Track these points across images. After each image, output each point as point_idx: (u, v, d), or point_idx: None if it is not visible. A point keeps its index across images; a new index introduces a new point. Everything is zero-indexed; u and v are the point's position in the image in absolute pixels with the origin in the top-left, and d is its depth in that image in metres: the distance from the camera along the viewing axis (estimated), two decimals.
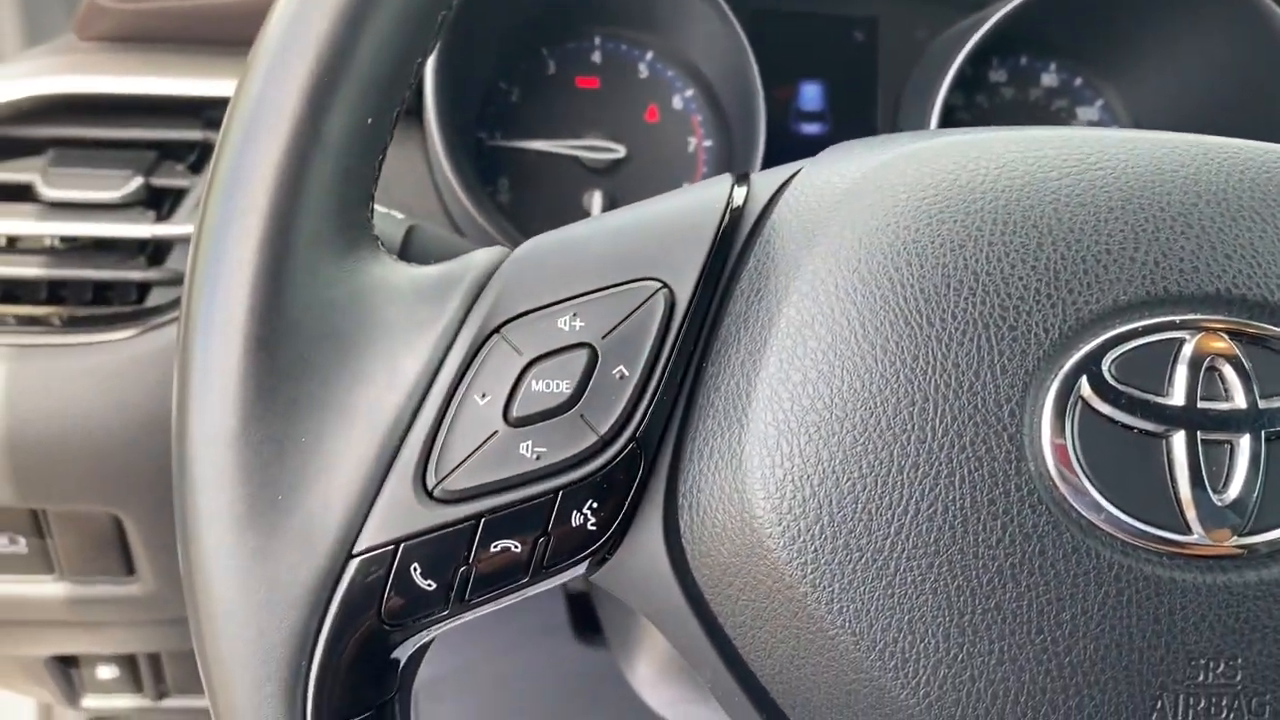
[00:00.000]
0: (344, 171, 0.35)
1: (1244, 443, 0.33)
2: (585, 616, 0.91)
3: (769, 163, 0.82)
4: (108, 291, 0.67)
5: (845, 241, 0.35)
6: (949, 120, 0.83)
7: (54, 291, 0.67)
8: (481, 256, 0.37)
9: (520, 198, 0.79)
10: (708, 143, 0.81)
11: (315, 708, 0.34)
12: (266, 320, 0.33)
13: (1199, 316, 0.34)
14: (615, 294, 0.35)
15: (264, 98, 0.34)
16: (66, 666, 0.82)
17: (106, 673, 0.82)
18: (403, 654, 0.35)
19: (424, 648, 0.37)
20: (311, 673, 0.33)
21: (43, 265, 0.66)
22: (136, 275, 0.66)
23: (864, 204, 0.36)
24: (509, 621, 0.94)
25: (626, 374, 0.35)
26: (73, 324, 0.66)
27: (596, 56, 0.81)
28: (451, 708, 0.96)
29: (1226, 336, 0.34)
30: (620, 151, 0.79)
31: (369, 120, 0.35)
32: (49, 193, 0.65)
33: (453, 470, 0.34)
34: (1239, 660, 0.33)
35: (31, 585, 0.71)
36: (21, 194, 0.66)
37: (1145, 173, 0.36)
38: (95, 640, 0.78)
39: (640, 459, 0.35)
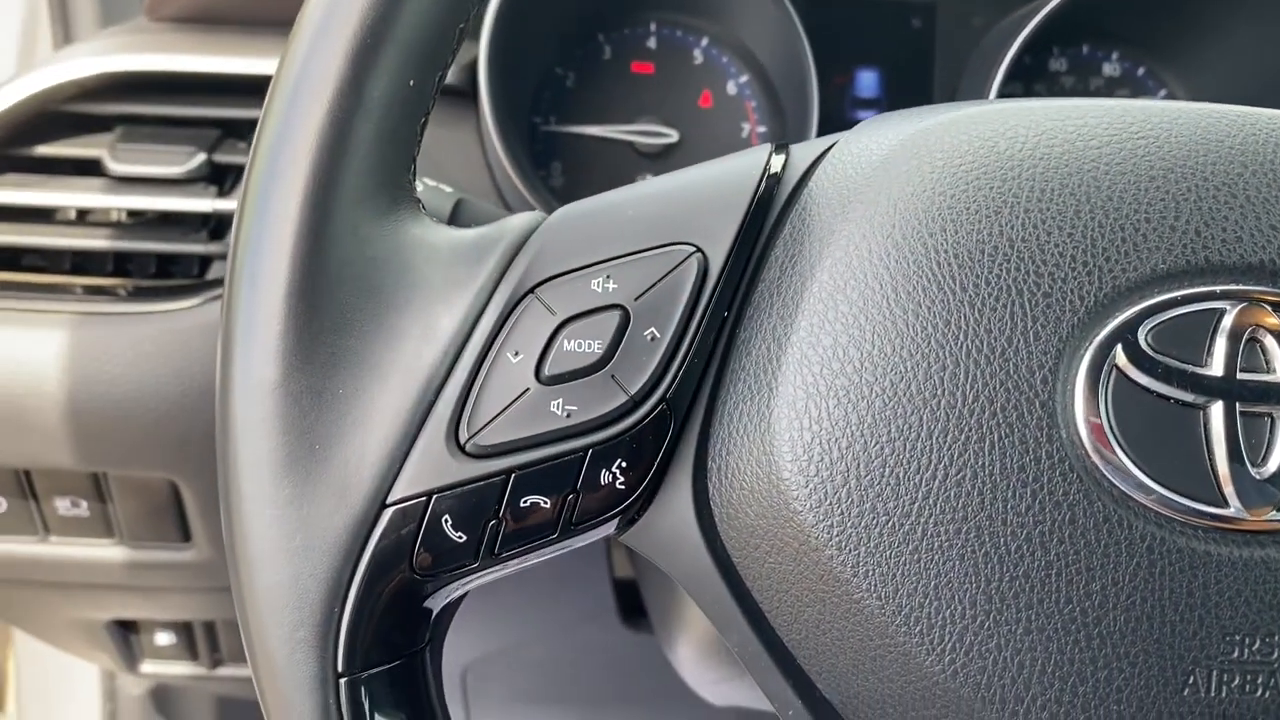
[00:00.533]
0: (386, 133, 0.36)
1: None
2: (632, 602, 0.92)
3: None
4: (171, 264, 0.69)
5: (880, 207, 0.35)
6: None
7: (120, 263, 0.69)
8: (519, 220, 0.38)
9: (573, 181, 0.80)
10: (761, 129, 0.81)
11: (348, 654, 0.34)
12: (308, 275, 0.34)
13: (1241, 287, 0.33)
14: (649, 257, 0.36)
15: (309, 61, 0.35)
16: (126, 632, 0.85)
17: (164, 639, 0.85)
18: (435, 605, 0.36)
19: (456, 602, 0.37)
20: (344, 619, 0.34)
21: (110, 238, 0.68)
22: (198, 248, 0.68)
23: (900, 171, 0.36)
24: (558, 605, 0.95)
25: (658, 336, 0.35)
26: (137, 295, 0.68)
27: (652, 42, 0.81)
28: (499, 687, 0.97)
29: (1269, 307, 0.33)
30: (673, 136, 0.80)
31: (410, 83, 0.36)
32: (116, 168, 0.67)
33: (485, 425, 0.35)
34: (1276, 637, 0.32)
35: (92, 548, 0.73)
36: (91, 169, 0.69)
37: (1189, 142, 0.35)
38: (153, 606, 0.80)
39: (670, 420, 0.35)
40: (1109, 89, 0.83)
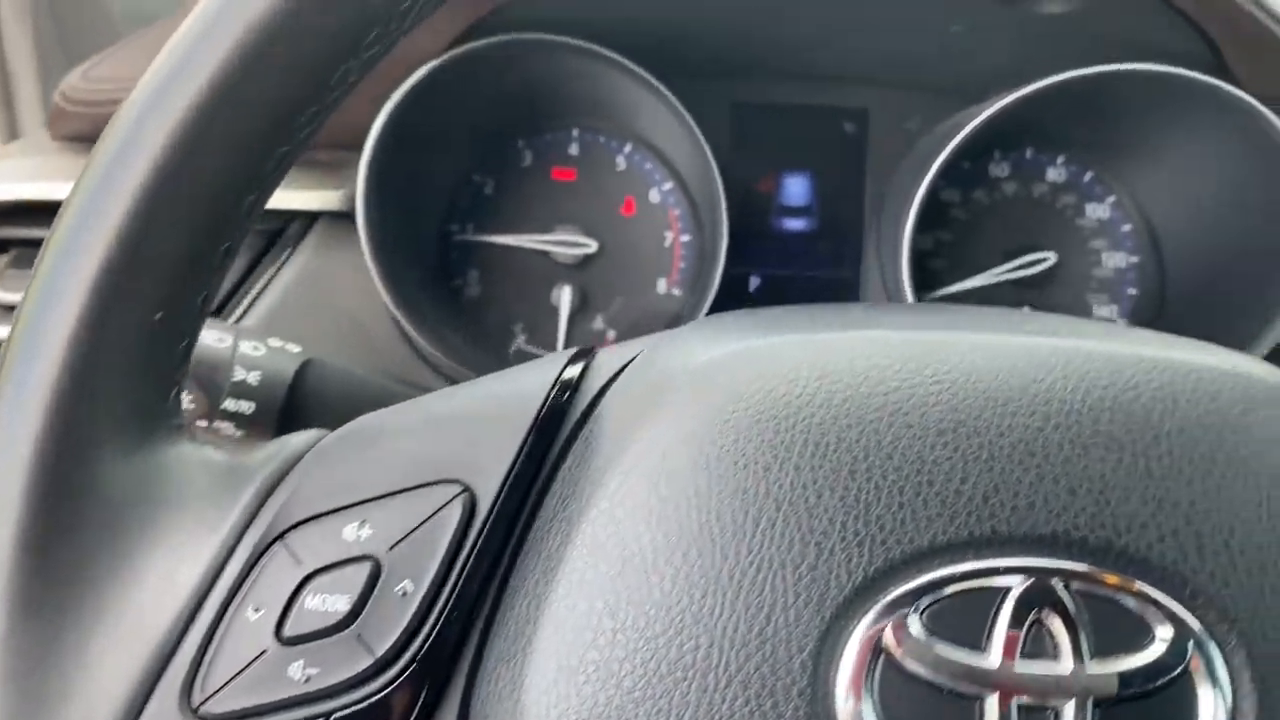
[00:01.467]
0: (135, 367, 0.34)
1: (1068, 710, 0.29)
2: None
3: (743, 262, 0.79)
4: None
5: (650, 453, 0.32)
6: (942, 217, 0.79)
7: None
8: (291, 444, 0.36)
9: (490, 292, 0.78)
10: (685, 237, 0.78)
11: None
12: (40, 520, 0.32)
13: (1028, 562, 0.30)
14: (409, 498, 0.33)
15: (50, 291, 0.33)
16: None
17: None
18: None
19: None
20: None
21: None
22: None
23: (676, 411, 0.33)
24: None
25: (410, 590, 0.33)
26: None
27: (574, 148, 0.79)
28: None
29: (1059, 586, 0.30)
30: (592, 247, 0.77)
31: (158, 316, 0.34)
32: (3, 296, 0.66)
33: (218, 689, 0.32)
34: None
35: None
36: None
37: (989, 388, 0.32)
38: None
39: (424, 683, 0.33)
40: (1054, 194, 0.80)
